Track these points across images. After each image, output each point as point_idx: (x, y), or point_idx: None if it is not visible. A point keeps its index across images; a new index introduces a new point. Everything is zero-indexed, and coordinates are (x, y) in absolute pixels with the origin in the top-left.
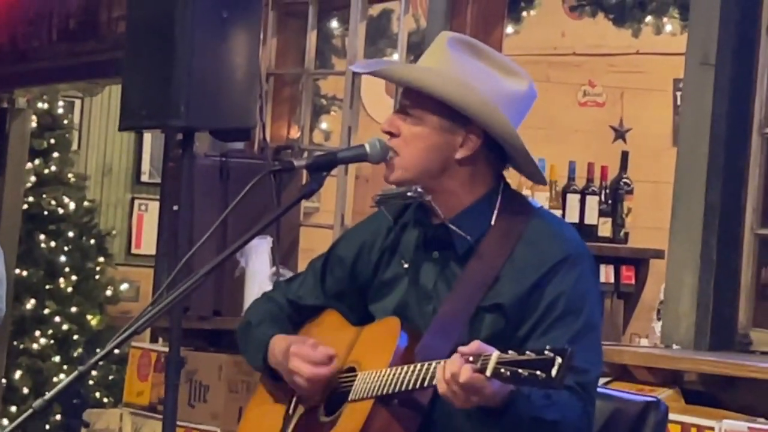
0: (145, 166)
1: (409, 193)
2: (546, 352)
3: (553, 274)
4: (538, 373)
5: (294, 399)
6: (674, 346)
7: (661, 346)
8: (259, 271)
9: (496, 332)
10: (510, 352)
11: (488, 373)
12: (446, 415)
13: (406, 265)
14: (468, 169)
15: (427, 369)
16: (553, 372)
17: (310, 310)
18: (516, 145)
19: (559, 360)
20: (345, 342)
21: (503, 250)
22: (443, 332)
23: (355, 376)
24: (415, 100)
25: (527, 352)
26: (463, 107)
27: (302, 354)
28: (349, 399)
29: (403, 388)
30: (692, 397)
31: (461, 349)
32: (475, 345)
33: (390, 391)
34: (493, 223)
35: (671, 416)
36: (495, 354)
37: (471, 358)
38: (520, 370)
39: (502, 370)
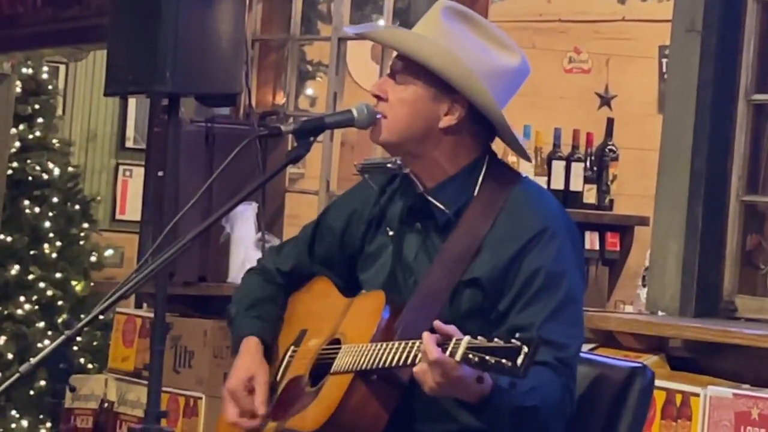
0: (130, 131)
1: (389, 165)
2: (513, 340)
3: (531, 246)
4: (504, 361)
5: (282, 366)
6: (659, 313)
7: (647, 312)
8: (244, 237)
9: (475, 307)
10: (479, 338)
11: (458, 357)
12: (428, 395)
13: (391, 233)
14: (452, 138)
15: (405, 348)
16: (519, 360)
17: (300, 277)
18: (499, 121)
19: (525, 349)
20: (334, 312)
21: (485, 222)
22: (423, 307)
23: (340, 348)
24: (404, 65)
25: (495, 340)
26: (447, 77)
27: (235, 395)
28: (331, 371)
29: (382, 365)
30: (677, 363)
31: (436, 323)
32: (451, 328)
33: (369, 367)
34: (476, 194)
35: (656, 382)
36: (465, 339)
37: (444, 342)
38: (487, 357)
39: (470, 356)
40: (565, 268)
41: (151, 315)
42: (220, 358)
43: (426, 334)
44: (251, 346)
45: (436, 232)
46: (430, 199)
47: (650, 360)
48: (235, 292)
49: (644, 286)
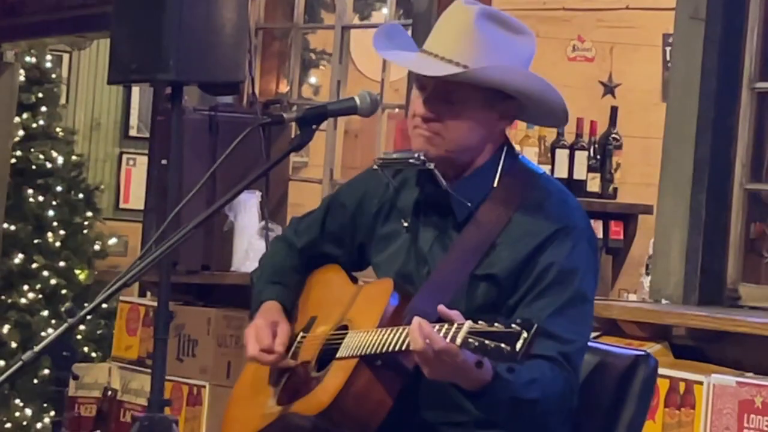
0: (134, 120)
1: (411, 160)
2: (513, 325)
3: (548, 243)
4: (503, 345)
5: (290, 353)
6: (663, 301)
7: (650, 300)
8: (247, 225)
9: (490, 301)
10: (480, 322)
11: (458, 341)
12: (432, 381)
13: (405, 224)
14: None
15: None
16: (518, 345)
17: (312, 254)
18: (558, 109)
19: (524, 334)
20: (343, 299)
21: (501, 218)
22: (433, 296)
23: (346, 333)
24: (457, 84)
25: (496, 324)
26: (521, 91)
27: (259, 333)
28: (336, 356)
29: (387, 349)
30: (681, 351)
31: (440, 307)
32: (454, 313)
33: (374, 352)
34: (495, 185)
35: (660, 371)
36: (467, 324)
37: (445, 326)
38: (486, 341)
39: (470, 340)
40: (578, 266)
41: (155, 304)
42: (224, 347)
43: (418, 322)
44: (272, 306)
45: (453, 227)
46: (454, 195)
47: (654, 348)
48: (261, 258)
49: (648, 274)
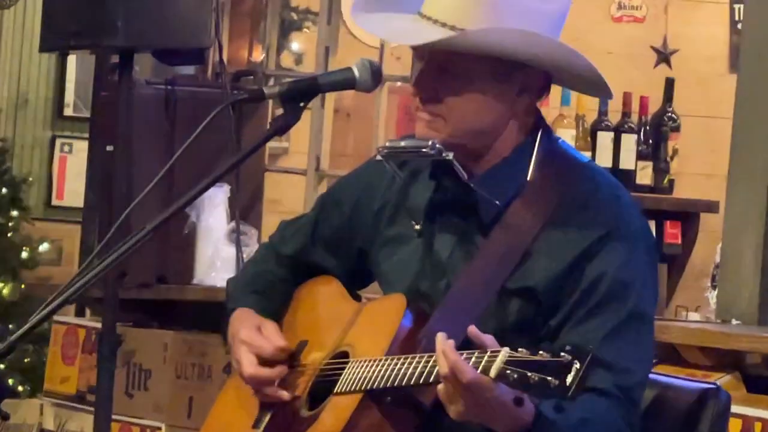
0: (70, 96)
1: (424, 149)
2: (563, 354)
3: (597, 249)
4: (550, 378)
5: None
6: (733, 321)
7: (717, 321)
8: (213, 227)
9: (525, 321)
10: (521, 350)
11: (492, 373)
12: (458, 423)
13: (417, 227)
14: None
15: (429, 362)
16: (569, 379)
17: (302, 264)
18: (592, 77)
19: (576, 365)
20: (341, 320)
21: (537, 218)
22: (455, 316)
23: (347, 362)
24: (456, 55)
25: (541, 352)
26: (530, 59)
27: (254, 342)
28: (335, 391)
29: (399, 382)
30: (755, 383)
31: (471, 329)
32: (488, 338)
33: (383, 386)
34: (528, 179)
35: (731, 407)
36: (503, 351)
37: (476, 354)
38: (529, 374)
39: (509, 371)
40: (635, 278)
41: (98, 325)
42: (184, 379)
43: (440, 335)
44: (248, 312)
45: (478, 229)
46: (478, 190)
47: (723, 380)
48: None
49: (714, 287)
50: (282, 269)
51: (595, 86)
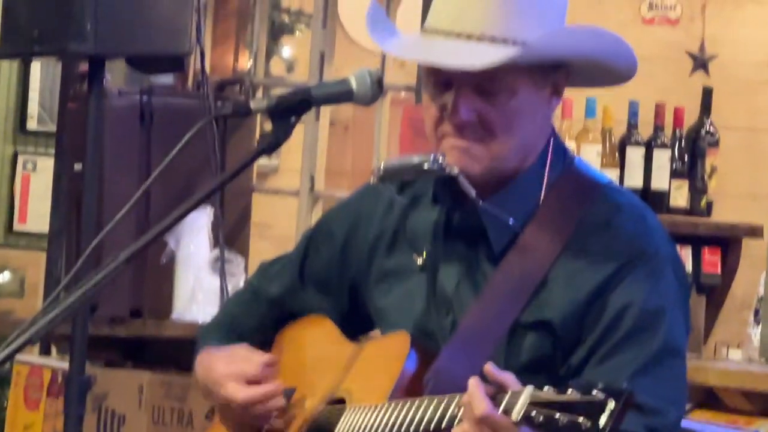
0: (33, 107)
1: (426, 166)
2: (595, 392)
3: (621, 276)
4: (581, 420)
5: None
6: None
7: (761, 360)
8: (194, 255)
9: (541, 358)
10: (547, 388)
11: (515, 416)
12: None
13: (419, 261)
14: None
15: (438, 405)
16: (602, 420)
17: (288, 306)
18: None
19: (611, 404)
20: (336, 363)
21: (553, 243)
22: (464, 355)
23: (344, 410)
24: (501, 69)
25: (570, 390)
26: (596, 58)
27: (233, 371)
28: None
29: (405, 429)
30: None
31: (488, 367)
32: (508, 375)
33: None
34: (541, 201)
35: None
36: (527, 390)
37: (496, 395)
38: (557, 415)
39: (534, 413)
40: (665, 307)
41: (66, 365)
42: (162, 425)
43: (473, 381)
44: (206, 353)
45: (487, 257)
46: (490, 213)
47: (766, 426)
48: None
49: (757, 323)
50: (262, 312)
51: (618, 74)
